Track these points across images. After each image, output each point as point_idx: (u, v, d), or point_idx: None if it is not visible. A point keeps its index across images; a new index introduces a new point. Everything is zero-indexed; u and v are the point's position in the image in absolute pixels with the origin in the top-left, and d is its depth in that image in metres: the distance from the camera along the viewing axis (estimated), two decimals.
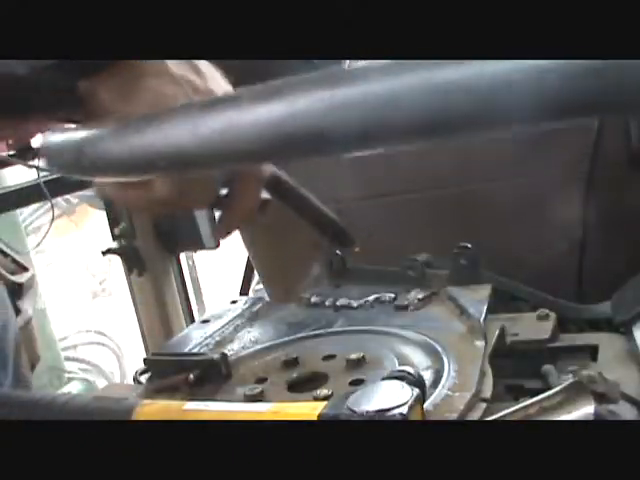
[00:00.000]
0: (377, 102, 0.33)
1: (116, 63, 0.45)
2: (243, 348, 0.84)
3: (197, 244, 0.68)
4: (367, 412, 0.46)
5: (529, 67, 0.30)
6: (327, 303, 0.92)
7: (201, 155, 0.39)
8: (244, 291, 1.29)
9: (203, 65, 0.48)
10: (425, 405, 0.54)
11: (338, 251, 0.95)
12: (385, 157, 0.47)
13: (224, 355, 0.77)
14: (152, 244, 1.55)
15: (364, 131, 0.34)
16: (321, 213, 0.66)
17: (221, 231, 0.60)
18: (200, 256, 2.79)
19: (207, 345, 0.85)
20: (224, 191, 0.58)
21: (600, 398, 0.58)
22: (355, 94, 0.34)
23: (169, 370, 0.77)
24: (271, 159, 0.54)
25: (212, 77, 0.49)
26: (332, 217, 0.66)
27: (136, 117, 0.43)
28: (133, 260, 1.53)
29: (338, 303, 0.91)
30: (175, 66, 0.47)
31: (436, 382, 0.65)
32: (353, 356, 0.72)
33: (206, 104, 0.40)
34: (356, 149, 0.37)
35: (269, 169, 0.59)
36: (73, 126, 0.50)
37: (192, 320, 1.60)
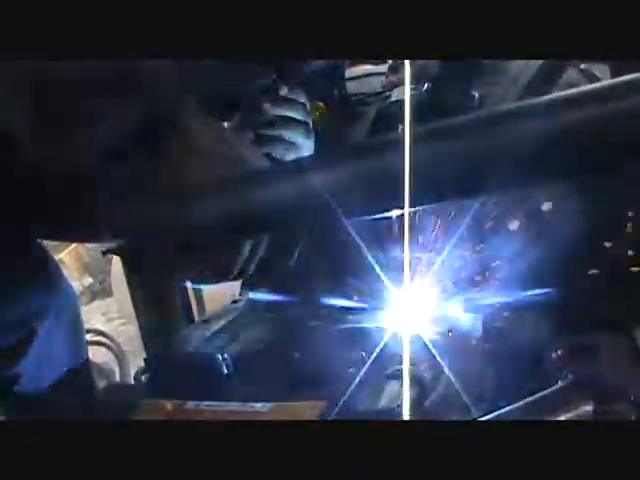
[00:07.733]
0: None
1: None
2: (243, 348, 0.83)
3: None
4: (367, 412, 0.47)
5: None
6: None
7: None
8: (244, 291, 1.29)
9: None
10: (425, 405, 0.54)
11: None
12: None
13: (224, 355, 0.77)
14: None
15: None
16: None
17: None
18: None
19: (207, 345, 0.85)
20: None
21: (600, 398, 0.58)
22: None
23: (169, 370, 0.77)
24: None
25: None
26: None
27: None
28: (133, 260, 1.53)
29: None
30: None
31: (436, 382, 0.65)
32: (354, 355, 0.72)
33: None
34: None
35: None
36: None
37: (192, 320, 1.60)
